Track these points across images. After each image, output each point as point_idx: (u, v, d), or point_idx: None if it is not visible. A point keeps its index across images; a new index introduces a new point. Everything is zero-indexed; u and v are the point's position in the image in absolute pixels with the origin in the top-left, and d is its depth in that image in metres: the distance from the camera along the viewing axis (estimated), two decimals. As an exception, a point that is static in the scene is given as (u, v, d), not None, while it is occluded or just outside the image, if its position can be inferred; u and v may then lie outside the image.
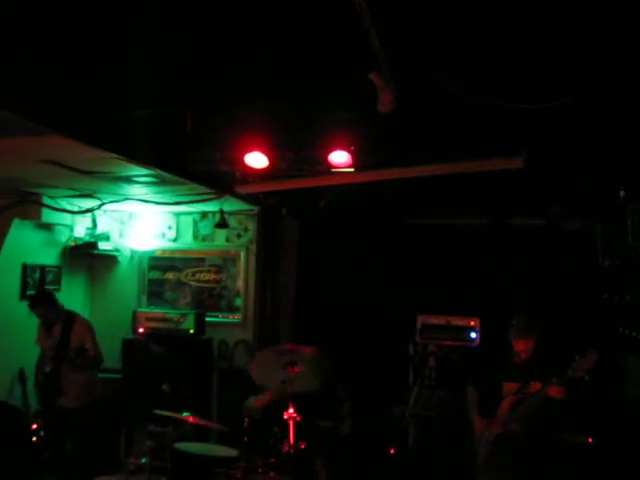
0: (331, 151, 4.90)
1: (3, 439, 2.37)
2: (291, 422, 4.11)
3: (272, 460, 4.38)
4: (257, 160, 5.02)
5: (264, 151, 4.94)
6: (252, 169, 5.39)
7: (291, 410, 4.14)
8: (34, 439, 5.25)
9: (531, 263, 7.73)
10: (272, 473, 4.36)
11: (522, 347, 4.88)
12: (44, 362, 6.13)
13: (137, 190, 6.50)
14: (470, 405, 5.09)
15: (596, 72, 3.69)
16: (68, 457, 5.94)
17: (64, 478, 5.85)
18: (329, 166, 5.10)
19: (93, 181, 5.97)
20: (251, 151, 4.93)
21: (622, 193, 5.61)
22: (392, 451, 3.79)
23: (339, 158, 4.97)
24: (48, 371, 5.96)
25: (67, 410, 5.89)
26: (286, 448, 4.08)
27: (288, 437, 4.11)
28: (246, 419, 4.98)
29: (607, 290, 7.23)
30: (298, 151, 5.19)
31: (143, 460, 4.84)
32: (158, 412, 4.94)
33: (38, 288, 7.05)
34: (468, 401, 5.13)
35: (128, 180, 5.98)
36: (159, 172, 5.51)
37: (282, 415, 4.31)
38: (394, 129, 4.77)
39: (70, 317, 6.11)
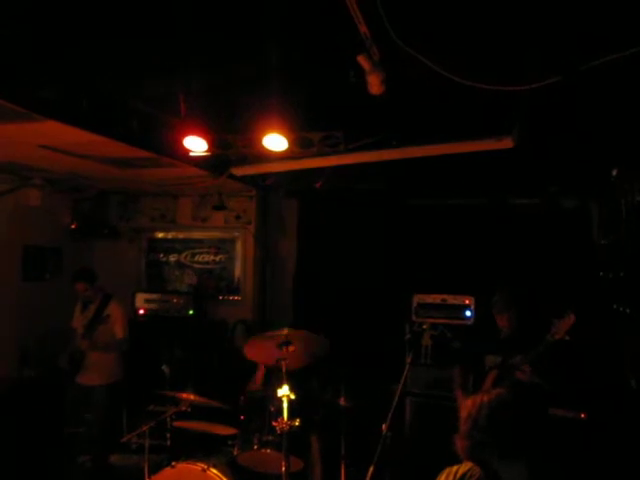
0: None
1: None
2: (285, 400, 4.19)
3: (267, 437, 4.49)
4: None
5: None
6: (248, 152, 5.41)
7: (285, 388, 4.21)
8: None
9: (528, 242, 7.78)
10: (267, 450, 4.47)
11: (503, 323, 5.02)
12: (74, 341, 6.23)
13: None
14: (454, 383, 5.20)
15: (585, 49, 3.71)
16: (84, 434, 6.09)
17: (79, 454, 6.01)
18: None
19: (91, 164, 6.02)
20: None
21: (615, 172, 5.63)
22: (384, 428, 3.86)
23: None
24: (75, 349, 6.04)
25: (86, 388, 6.01)
26: (280, 425, 4.15)
27: (282, 415, 4.18)
28: (242, 397, 5.09)
29: (602, 268, 7.27)
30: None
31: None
32: (158, 392, 5.03)
33: (40, 269, 7.19)
34: (454, 379, 5.24)
35: (125, 163, 6.03)
36: (155, 155, 5.56)
37: (277, 393, 4.38)
38: (386, 110, 4.80)
39: (106, 298, 6.20)
